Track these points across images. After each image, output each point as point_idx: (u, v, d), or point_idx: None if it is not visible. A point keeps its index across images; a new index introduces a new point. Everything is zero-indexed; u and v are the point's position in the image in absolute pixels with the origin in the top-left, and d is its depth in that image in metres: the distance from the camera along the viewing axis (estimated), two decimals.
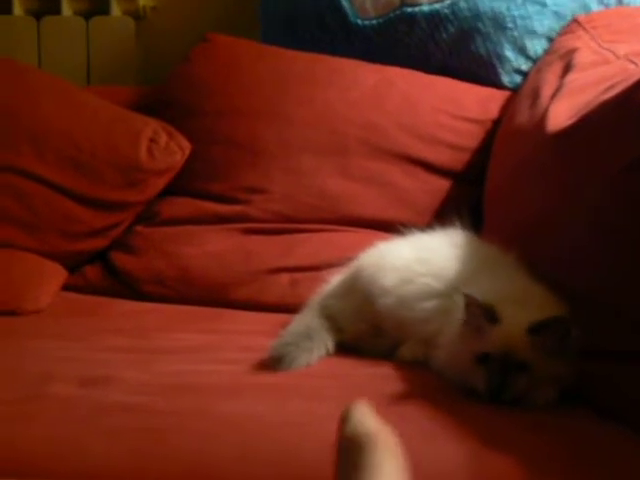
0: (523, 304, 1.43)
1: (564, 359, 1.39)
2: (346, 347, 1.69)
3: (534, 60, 2.29)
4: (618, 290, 1.40)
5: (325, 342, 1.66)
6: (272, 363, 1.55)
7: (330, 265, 1.89)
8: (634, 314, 1.35)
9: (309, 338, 1.63)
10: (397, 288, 1.64)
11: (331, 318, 1.72)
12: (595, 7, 2.29)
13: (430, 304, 1.59)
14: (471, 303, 1.42)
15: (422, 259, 1.66)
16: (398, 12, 2.39)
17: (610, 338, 1.41)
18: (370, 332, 1.68)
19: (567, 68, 1.96)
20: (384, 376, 1.52)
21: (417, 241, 1.75)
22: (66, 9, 2.94)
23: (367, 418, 0.96)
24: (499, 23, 2.30)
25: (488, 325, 1.40)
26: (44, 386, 1.42)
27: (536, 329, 1.37)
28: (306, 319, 1.73)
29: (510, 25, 2.29)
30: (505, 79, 2.32)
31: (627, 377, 1.36)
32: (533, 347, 1.38)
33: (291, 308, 1.80)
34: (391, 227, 1.93)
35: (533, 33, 2.29)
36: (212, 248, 2.16)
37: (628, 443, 1.27)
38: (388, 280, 1.66)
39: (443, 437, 1.26)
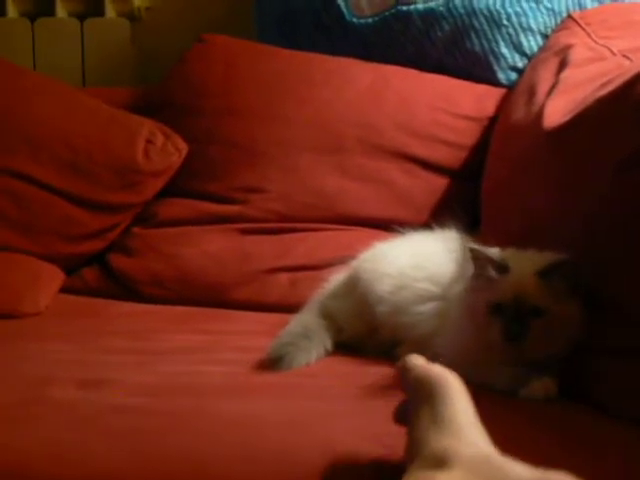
0: (529, 256, 1.46)
1: (575, 301, 1.41)
2: (345, 346, 1.69)
3: (529, 57, 2.29)
4: (615, 285, 1.40)
5: (324, 342, 1.66)
6: (271, 363, 1.55)
7: (329, 264, 1.89)
8: (631, 310, 1.36)
9: (307, 338, 1.63)
10: (393, 295, 1.65)
11: (331, 318, 1.72)
12: (590, 3, 2.29)
13: (426, 307, 1.60)
14: (479, 256, 1.44)
15: (417, 264, 1.66)
16: (393, 11, 2.39)
17: (607, 334, 1.41)
18: (369, 333, 1.68)
19: (563, 64, 1.96)
20: (385, 374, 1.52)
21: (413, 244, 1.76)
22: (60, 11, 2.94)
23: (430, 365, 1.06)
24: (494, 20, 2.30)
25: (498, 276, 1.42)
26: (43, 389, 1.42)
27: (545, 273, 1.39)
28: (304, 319, 1.73)
29: (505, 22, 2.29)
30: (501, 76, 2.32)
31: (623, 372, 1.36)
32: (544, 291, 1.39)
33: (290, 308, 1.79)
34: (389, 225, 1.93)
35: (528, 30, 2.29)
36: (210, 248, 2.16)
37: (627, 436, 1.27)
38: (384, 287, 1.67)
39: None
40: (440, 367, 1.06)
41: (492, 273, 1.43)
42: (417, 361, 1.09)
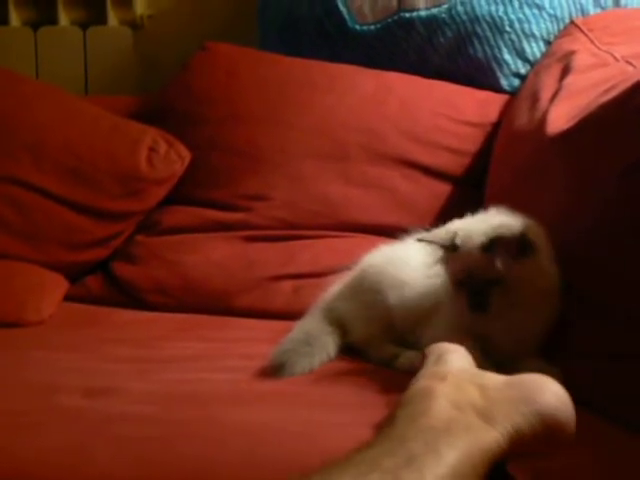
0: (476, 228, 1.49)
1: (533, 258, 1.45)
2: (349, 353, 1.69)
3: (532, 63, 2.29)
4: (618, 290, 1.40)
5: (326, 347, 1.65)
6: (273, 370, 1.55)
7: (333, 271, 1.88)
8: (635, 315, 1.36)
9: (308, 344, 1.63)
10: (408, 282, 1.66)
11: (337, 321, 1.72)
12: (592, 9, 2.30)
13: (431, 302, 1.60)
14: (429, 242, 1.51)
15: (422, 259, 1.67)
16: (396, 17, 2.40)
17: (608, 339, 1.41)
18: (378, 334, 1.68)
19: (565, 71, 1.96)
20: (389, 381, 1.51)
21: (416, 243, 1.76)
22: (63, 19, 2.95)
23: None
24: (497, 27, 2.30)
25: (450, 255, 1.48)
26: (49, 397, 1.42)
27: (488, 247, 1.43)
28: (306, 325, 1.72)
29: (508, 28, 2.30)
30: (504, 82, 2.32)
31: (623, 377, 1.36)
32: (492, 262, 1.43)
33: (294, 315, 1.78)
34: (392, 232, 1.93)
35: (531, 36, 2.29)
36: (214, 256, 2.16)
37: (626, 440, 1.28)
38: (399, 273, 1.68)
39: None
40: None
41: (446, 253, 1.49)
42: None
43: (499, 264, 1.42)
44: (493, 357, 1.45)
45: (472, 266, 1.45)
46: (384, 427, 1.07)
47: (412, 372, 1.55)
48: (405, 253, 1.71)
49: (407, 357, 1.60)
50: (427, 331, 1.56)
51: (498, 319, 1.46)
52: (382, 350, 1.65)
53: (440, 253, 1.51)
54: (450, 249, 1.47)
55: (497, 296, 1.45)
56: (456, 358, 1.26)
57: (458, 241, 1.46)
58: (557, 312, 1.48)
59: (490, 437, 1.06)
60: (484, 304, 1.45)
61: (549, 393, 1.13)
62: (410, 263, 1.67)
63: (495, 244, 1.43)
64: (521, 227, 1.45)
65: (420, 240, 1.52)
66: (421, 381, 1.18)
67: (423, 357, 1.31)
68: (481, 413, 1.08)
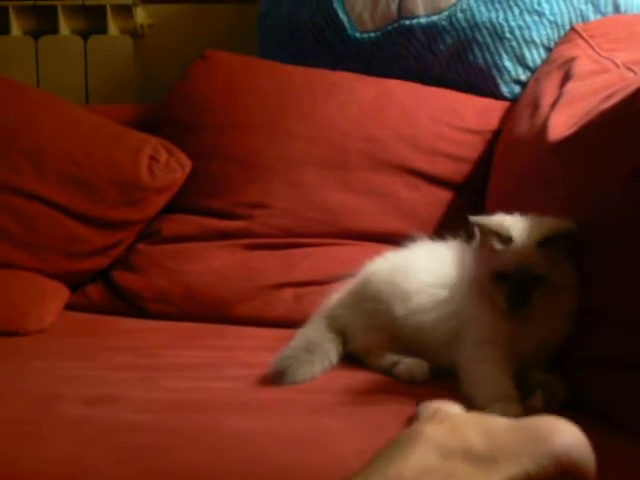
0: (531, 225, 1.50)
1: (571, 266, 1.47)
2: (351, 360, 1.69)
3: (533, 70, 2.29)
4: (618, 298, 1.40)
5: (328, 355, 1.65)
6: (274, 378, 1.55)
7: (334, 278, 1.88)
8: (634, 321, 1.36)
9: (309, 351, 1.62)
10: (415, 294, 1.65)
11: (338, 329, 1.72)
12: (593, 16, 2.30)
13: (440, 312, 1.59)
14: (484, 228, 1.50)
15: (428, 268, 1.67)
16: (396, 25, 2.40)
17: (607, 346, 1.42)
18: (379, 343, 1.67)
19: (566, 77, 1.96)
20: (391, 389, 1.51)
21: (421, 250, 1.75)
22: (64, 29, 2.95)
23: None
24: (497, 33, 2.30)
25: (502, 246, 1.47)
26: (51, 406, 1.42)
27: (545, 242, 1.44)
28: (307, 333, 1.72)
29: (508, 35, 2.30)
30: (504, 89, 2.32)
31: (623, 384, 1.37)
32: (544, 259, 1.45)
33: (296, 323, 1.78)
34: (393, 239, 1.93)
35: (531, 43, 2.30)
36: (215, 264, 2.16)
37: (627, 446, 1.28)
38: (406, 284, 1.67)
39: None
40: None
41: (496, 244, 1.48)
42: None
43: (552, 261, 1.44)
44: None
45: (525, 259, 1.45)
46: (364, 467, 0.97)
47: (411, 381, 1.56)
48: (409, 261, 1.71)
49: (406, 364, 1.60)
50: (459, 351, 1.54)
51: (531, 322, 1.47)
52: (381, 358, 1.65)
53: (484, 242, 1.50)
54: (505, 241, 1.47)
55: (537, 297, 1.45)
56: (454, 408, 1.15)
57: (514, 232, 1.47)
58: (575, 323, 1.49)
59: None
60: (525, 299, 1.44)
61: (563, 433, 1.02)
62: (414, 272, 1.67)
63: (552, 242, 1.44)
64: (574, 229, 1.46)
65: (474, 225, 1.51)
66: (414, 424, 1.06)
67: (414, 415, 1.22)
68: (481, 458, 0.98)
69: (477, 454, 0.97)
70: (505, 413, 1.33)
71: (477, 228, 1.52)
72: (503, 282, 1.47)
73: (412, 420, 1.17)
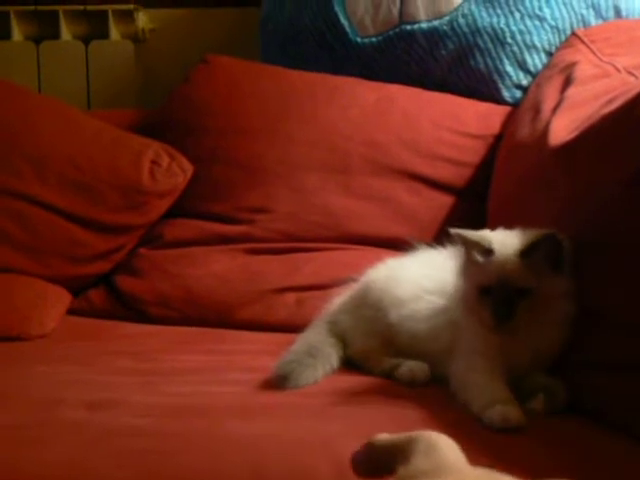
0: (513, 236, 1.48)
1: (559, 275, 1.44)
2: (352, 364, 1.69)
3: (534, 75, 2.29)
4: (619, 300, 1.40)
5: (330, 359, 1.65)
6: (278, 382, 1.55)
7: (335, 283, 1.88)
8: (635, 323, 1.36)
9: (311, 356, 1.62)
10: (410, 301, 1.64)
11: (338, 334, 1.72)
12: (594, 21, 2.30)
13: (438, 320, 1.59)
14: (465, 240, 1.47)
15: (428, 275, 1.66)
16: (397, 30, 2.40)
17: (609, 349, 1.42)
18: (377, 349, 1.67)
19: (567, 82, 1.96)
20: (392, 393, 1.51)
21: (422, 258, 1.75)
22: (65, 34, 2.96)
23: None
24: (498, 38, 2.30)
25: (484, 259, 1.45)
26: (52, 410, 1.42)
27: (527, 252, 1.42)
28: (309, 337, 1.72)
29: (509, 40, 2.30)
30: (505, 94, 2.32)
31: (624, 387, 1.37)
32: (527, 271, 1.42)
33: (297, 327, 1.78)
34: (395, 244, 1.93)
35: (532, 48, 2.30)
36: (216, 269, 2.16)
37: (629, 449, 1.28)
38: (401, 292, 1.66)
39: None
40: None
41: (478, 257, 1.46)
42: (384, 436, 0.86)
43: (536, 272, 1.42)
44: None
45: (507, 272, 1.43)
46: None
47: (413, 383, 1.56)
48: (408, 270, 1.71)
49: (408, 367, 1.60)
50: (451, 365, 1.52)
51: (519, 334, 1.44)
52: (381, 362, 1.65)
53: (468, 256, 1.48)
54: (486, 253, 1.45)
55: (523, 310, 1.42)
56: (447, 447, 0.92)
57: (495, 245, 1.45)
58: (573, 331, 1.47)
59: None
60: (511, 313, 1.42)
61: None
62: (412, 280, 1.67)
63: (534, 251, 1.42)
64: (559, 239, 1.44)
65: (456, 237, 1.49)
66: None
67: (405, 440, 1.01)
68: None
69: None
70: (506, 414, 1.34)
71: (460, 241, 1.49)
72: (488, 297, 1.44)
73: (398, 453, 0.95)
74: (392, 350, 1.65)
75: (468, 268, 1.49)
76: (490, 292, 1.44)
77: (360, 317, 1.72)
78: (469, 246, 1.47)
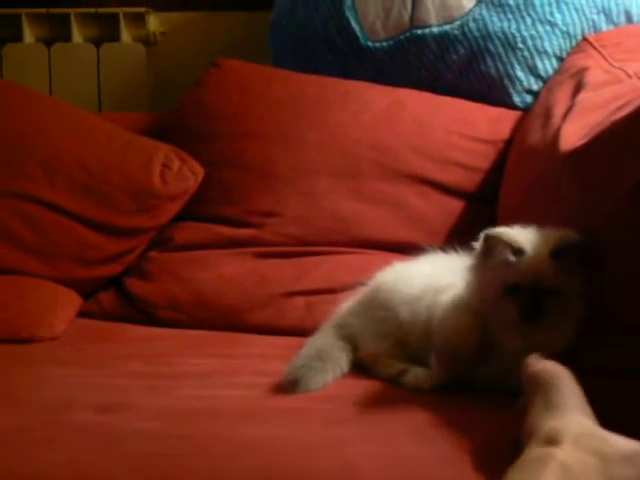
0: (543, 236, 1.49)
1: (582, 278, 1.47)
2: (361, 368, 1.68)
3: (545, 80, 2.29)
4: (627, 306, 1.41)
5: (339, 363, 1.65)
6: (288, 386, 1.55)
7: (345, 287, 1.88)
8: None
9: (321, 359, 1.62)
10: (419, 298, 1.64)
11: (348, 337, 1.72)
12: (605, 26, 2.30)
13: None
14: (497, 241, 1.48)
15: (436, 273, 1.67)
16: (408, 34, 2.40)
17: (621, 354, 1.42)
18: (388, 351, 1.67)
19: (578, 87, 1.96)
20: (402, 398, 1.51)
21: (431, 258, 1.76)
22: (76, 36, 2.97)
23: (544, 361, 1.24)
24: (509, 43, 2.30)
25: (515, 258, 1.46)
26: (62, 413, 1.42)
27: (558, 253, 1.44)
28: (318, 341, 1.72)
29: (520, 45, 2.30)
30: (516, 99, 2.33)
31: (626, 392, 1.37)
32: (558, 271, 1.44)
33: (307, 331, 1.78)
34: (405, 248, 1.93)
35: (543, 53, 2.30)
36: (226, 272, 2.16)
37: None
38: (410, 289, 1.66)
39: (462, 462, 1.25)
40: (552, 362, 1.21)
41: (509, 256, 1.46)
42: (534, 360, 1.24)
43: (566, 273, 1.44)
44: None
45: (539, 272, 1.44)
46: None
47: (417, 390, 1.56)
48: (418, 271, 1.71)
49: (414, 374, 1.59)
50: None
51: (544, 330, 1.46)
52: (389, 367, 1.64)
53: (495, 255, 1.48)
54: (518, 253, 1.46)
55: (551, 309, 1.44)
56: (569, 392, 1.16)
57: (527, 245, 1.46)
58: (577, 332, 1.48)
59: None
60: (539, 312, 1.44)
61: None
62: (422, 280, 1.67)
63: (565, 252, 1.44)
64: (585, 240, 1.46)
65: (486, 237, 1.49)
66: (535, 448, 1.06)
67: (527, 375, 1.24)
68: None
69: None
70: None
71: (485, 241, 1.49)
72: (514, 295, 1.45)
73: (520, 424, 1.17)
74: (403, 352, 1.65)
75: (492, 266, 1.49)
76: (519, 291, 1.45)
77: (370, 319, 1.71)
78: (501, 247, 1.47)
